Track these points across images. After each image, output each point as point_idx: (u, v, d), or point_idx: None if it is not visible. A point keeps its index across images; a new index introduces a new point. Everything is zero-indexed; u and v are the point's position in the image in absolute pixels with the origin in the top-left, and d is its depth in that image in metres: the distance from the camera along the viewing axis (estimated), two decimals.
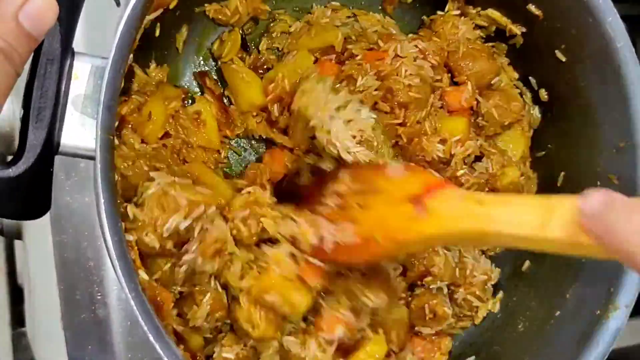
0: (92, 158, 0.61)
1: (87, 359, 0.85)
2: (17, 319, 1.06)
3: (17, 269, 1.11)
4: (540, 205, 0.60)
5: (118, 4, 0.89)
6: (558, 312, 0.86)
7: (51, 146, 0.59)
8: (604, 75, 0.82)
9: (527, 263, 0.94)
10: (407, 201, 0.71)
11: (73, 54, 0.62)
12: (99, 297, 0.86)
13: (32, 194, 0.59)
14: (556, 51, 0.87)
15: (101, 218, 0.59)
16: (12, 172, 0.56)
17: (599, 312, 0.80)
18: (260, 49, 0.94)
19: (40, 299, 0.95)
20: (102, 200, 0.59)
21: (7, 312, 1.06)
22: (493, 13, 0.93)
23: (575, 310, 0.84)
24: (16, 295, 1.07)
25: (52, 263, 0.85)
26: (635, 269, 0.52)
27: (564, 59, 0.87)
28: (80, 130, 0.62)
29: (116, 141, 0.75)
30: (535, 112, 0.95)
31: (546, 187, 0.95)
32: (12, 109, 0.78)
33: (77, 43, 0.63)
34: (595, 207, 0.53)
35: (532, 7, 0.87)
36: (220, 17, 0.90)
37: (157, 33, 0.82)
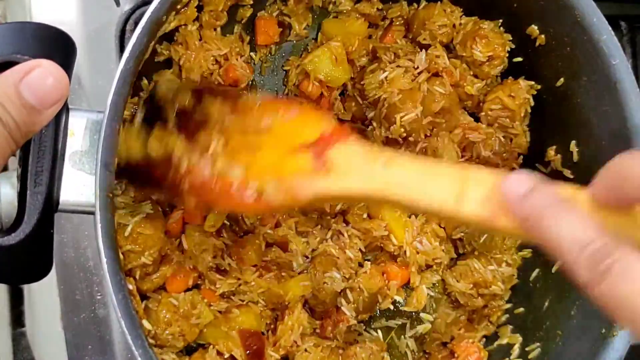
0: (92, 213, 0.60)
1: (87, 359, 0.86)
2: (17, 319, 1.06)
3: None
4: (455, 178, 0.56)
5: (118, 4, 0.88)
6: (564, 330, 0.86)
7: (50, 207, 0.59)
8: (601, 92, 0.82)
9: (535, 272, 0.94)
10: (304, 149, 0.63)
11: (68, 110, 0.61)
12: (99, 297, 0.86)
13: (33, 259, 0.59)
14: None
15: (105, 277, 0.59)
16: (12, 239, 0.56)
17: (604, 330, 0.80)
18: None
19: (40, 299, 0.95)
20: (104, 260, 0.58)
21: (7, 312, 1.06)
22: None
23: (581, 328, 0.84)
24: (16, 295, 1.07)
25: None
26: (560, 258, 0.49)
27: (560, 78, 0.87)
28: (78, 187, 0.61)
29: None
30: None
31: None
32: None
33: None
34: (519, 192, 0.51)
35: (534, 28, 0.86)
36: None
37: None
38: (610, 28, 0.79)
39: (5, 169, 0.73)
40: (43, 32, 0.58)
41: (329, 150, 0.62)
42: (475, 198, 0.54)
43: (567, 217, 0.49)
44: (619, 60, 0.80)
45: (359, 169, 0.60)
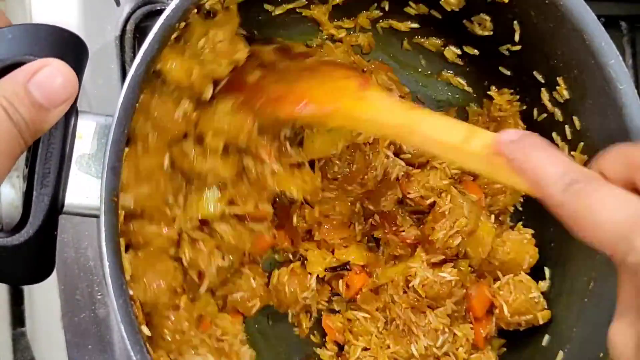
0: (97, 216, 0.61)
1: (87, 359, 0.85)
2: (17, 319, 1.06)
3: None
4: (464, 127, 0.68)
5: (118, 4, 0.89)
6: (563, 352, 0.86)
7: (55, 209, 0.59)
8: (607, 116, 0.82)
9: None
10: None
11: (77, 113, 0.61)
12: (99, 297, 0.86)
13: (36, 260, 0.59)
14: (553, 92, 0.88)
15: (106, 281, 0.59)
16: (16, 239, 0.56)
17: (602, 354, 0.80)
18: None
19: (40, 299, 0.95)
20: (107, 264, 0.58)
21: (7, 312, 1.06)
22: None
23: (579, 351, 0.84)
24: (16, 295, 1.07)
25: None
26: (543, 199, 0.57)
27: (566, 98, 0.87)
28: (84, 190, 0.61)
29: None
30: None
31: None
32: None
33: None
34: (511, 138, 0.61)
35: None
36: None
37: None
38: (618, 53, 0.80)
39: None
40: (56, 35, 0.58)
41: (367, 90, 0.76)
42: (478, 142, 0.64)
43: (549, 156, 0.58)
44: (625, 85, 0.80)
45: (390, 104, 0.74)
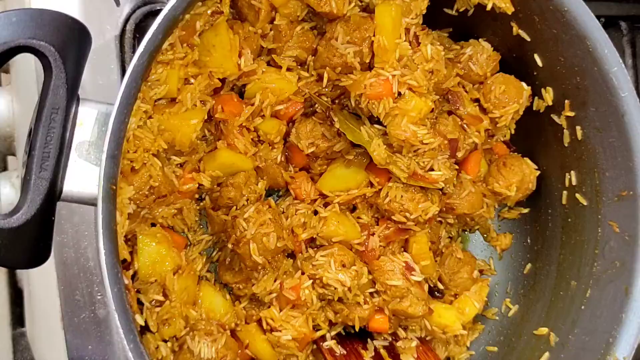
0: (95, 204, 0.60)
1: (87, 359, 0.85)
2: (17, 319, 1.05)
3: (17, 270, 1.10)
4: None
5: (118, 4, 0.89)
6: (559, 359, 0.85)
7: (53, 194, 0.59)
8: (607, 124, 0.82)
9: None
10: None
11: (78, 100, 0.61)
12: (99, 297, 0.86)
13: (33, 244, 0.58)
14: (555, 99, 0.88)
15: (102, 269, 0.59)
16: (14, 222, 0.56)
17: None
18: None
19: (40, 299, 0.95)
20: (102, 251, 0.58)
21: (7, 312, 1.06)
22: None
23: (575, 357, 0.84)
24: (16, 296, 1.06)
25: (52, 263, 0.85)
26: None
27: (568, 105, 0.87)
28: (82, 177, 0.61)
29: None
30: None
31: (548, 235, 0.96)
32: (12, 108, 0.79)
33: None
34: None
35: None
36: None
37: None
38: (620, 60, 0.80)
39: (5, 169, 0.73)
40: (60, 20, 0.58)
41: None
42: None
43: None
44: (627, 92, 0.80)
45: None
